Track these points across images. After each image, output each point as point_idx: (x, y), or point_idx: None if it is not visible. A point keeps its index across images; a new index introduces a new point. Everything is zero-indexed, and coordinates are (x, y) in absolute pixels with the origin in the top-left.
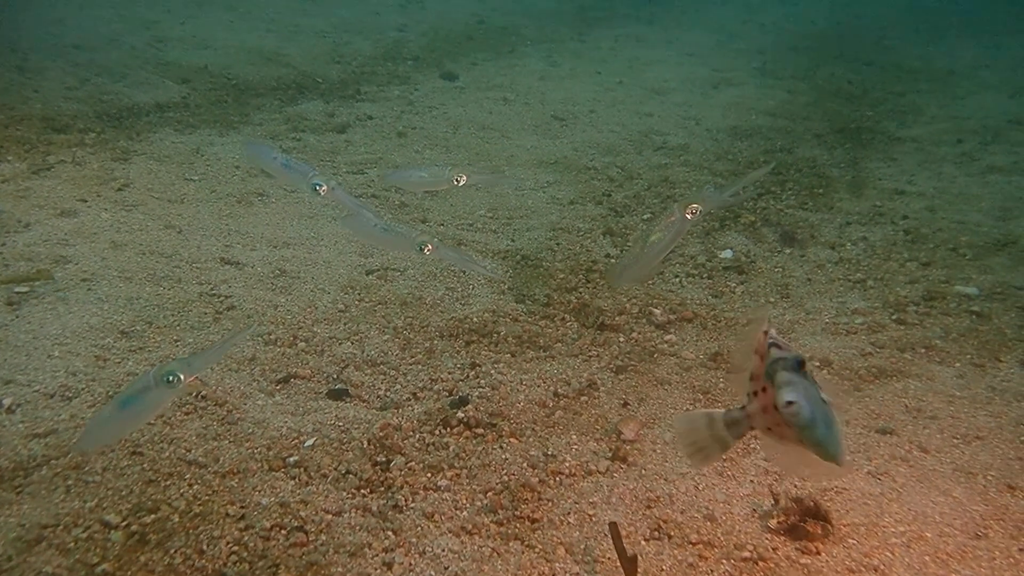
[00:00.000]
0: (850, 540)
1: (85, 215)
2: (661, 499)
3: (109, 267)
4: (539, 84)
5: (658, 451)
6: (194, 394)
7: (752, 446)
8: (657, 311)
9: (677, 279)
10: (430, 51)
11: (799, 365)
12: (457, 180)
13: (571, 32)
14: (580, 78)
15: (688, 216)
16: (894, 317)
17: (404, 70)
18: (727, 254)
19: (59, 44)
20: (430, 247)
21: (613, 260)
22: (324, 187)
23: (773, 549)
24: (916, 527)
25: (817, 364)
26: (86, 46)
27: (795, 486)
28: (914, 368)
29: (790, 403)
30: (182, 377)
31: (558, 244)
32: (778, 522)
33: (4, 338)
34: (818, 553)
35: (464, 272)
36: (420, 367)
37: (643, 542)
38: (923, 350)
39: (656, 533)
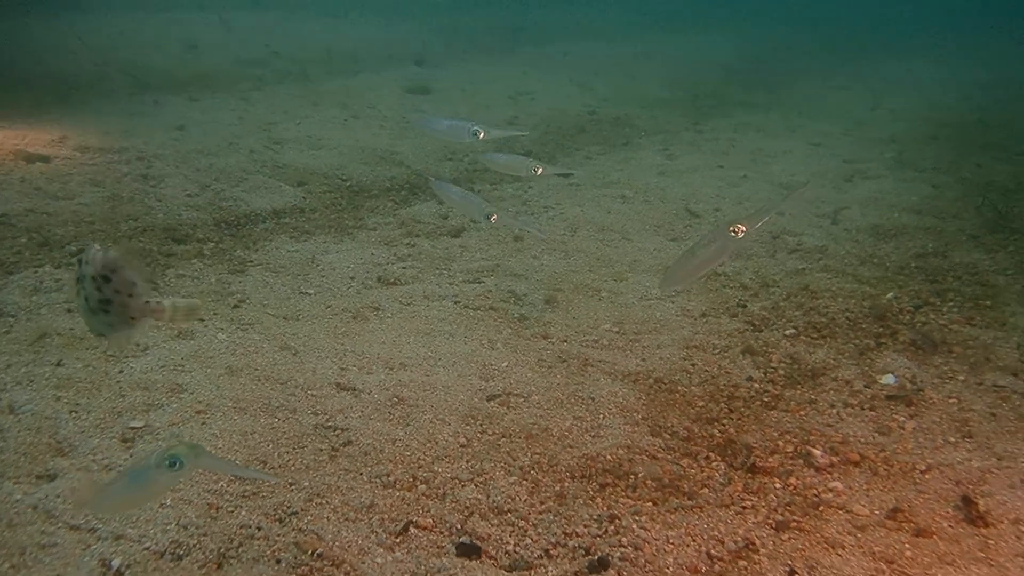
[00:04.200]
0: None
1: (202, 337)
2: None
3: (224, 396)
4: (658, 180)
5: None
6: (311, 552)
7: None
8: (816, 451)
9: (834, 409)
10: (542, 145)
11: None
12: (535, 170)
13: (686, 122)
14: (701, 172)
15: (732, 234)
16: None
17: None
18: (888, 379)
19: (182, 150)
20: (495, 216)
21: (757, 384)
22: (482, 133)
23: None
24: None
25: None
26: (206, 150)
27: None
28: None
29: None
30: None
31: (693, 365)
32: None
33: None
34: None
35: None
36: (551, 516)
37: None
38: None
39: None
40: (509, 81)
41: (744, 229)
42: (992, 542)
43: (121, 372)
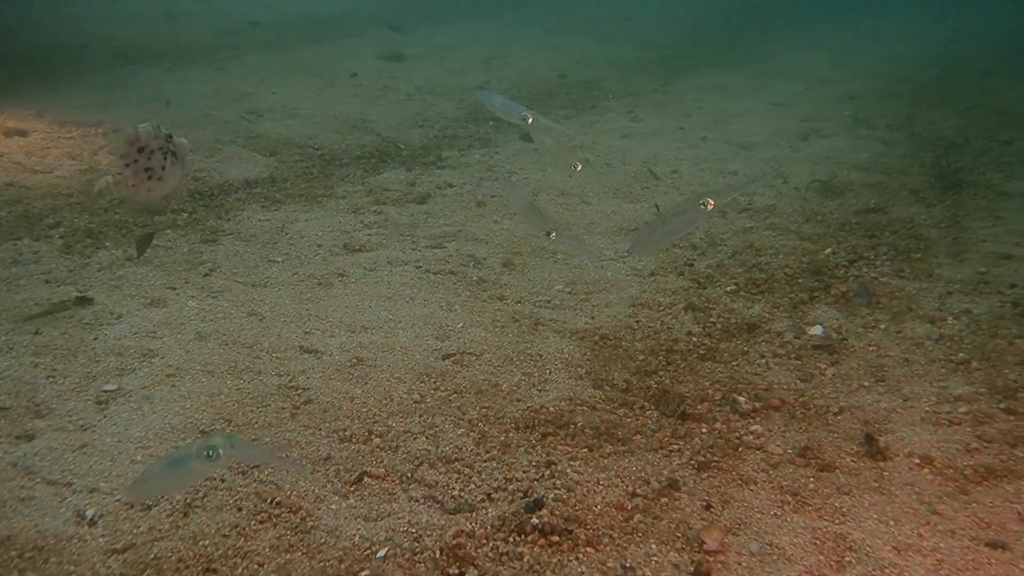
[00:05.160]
0: None
1: (173, 304)
2: None
3: (193, 360)
4: (620, 143)
5: (743, 564)
6: (270, 501)
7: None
8: (742, 398)
9: (763, 360)
10: None
11: None
12: (576, 166)
13: (654, 83)
14: (663, 135)
15: (702, 206)
16: (1002, 405)
17: (485, 132)
18: (817, 330)
19: (161, 121)
20: (554, 233)
21: (695, 339)
22: (531, 118)
23: None
24: None
25: (917, 462)
26: (182, 122)
27: None
28: None
29: None
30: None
31: (638, 321)
32: None
33: (91, 442)
34: None
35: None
36: (495, 464)
37: None
38: None
39: None
40: (485, 45)
41: (713, 202)
42: (887, 473)
43: (96, 339)
